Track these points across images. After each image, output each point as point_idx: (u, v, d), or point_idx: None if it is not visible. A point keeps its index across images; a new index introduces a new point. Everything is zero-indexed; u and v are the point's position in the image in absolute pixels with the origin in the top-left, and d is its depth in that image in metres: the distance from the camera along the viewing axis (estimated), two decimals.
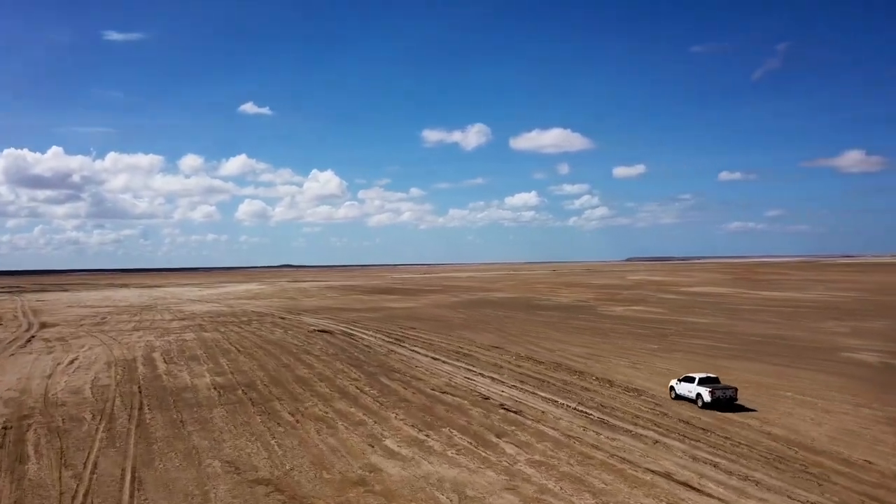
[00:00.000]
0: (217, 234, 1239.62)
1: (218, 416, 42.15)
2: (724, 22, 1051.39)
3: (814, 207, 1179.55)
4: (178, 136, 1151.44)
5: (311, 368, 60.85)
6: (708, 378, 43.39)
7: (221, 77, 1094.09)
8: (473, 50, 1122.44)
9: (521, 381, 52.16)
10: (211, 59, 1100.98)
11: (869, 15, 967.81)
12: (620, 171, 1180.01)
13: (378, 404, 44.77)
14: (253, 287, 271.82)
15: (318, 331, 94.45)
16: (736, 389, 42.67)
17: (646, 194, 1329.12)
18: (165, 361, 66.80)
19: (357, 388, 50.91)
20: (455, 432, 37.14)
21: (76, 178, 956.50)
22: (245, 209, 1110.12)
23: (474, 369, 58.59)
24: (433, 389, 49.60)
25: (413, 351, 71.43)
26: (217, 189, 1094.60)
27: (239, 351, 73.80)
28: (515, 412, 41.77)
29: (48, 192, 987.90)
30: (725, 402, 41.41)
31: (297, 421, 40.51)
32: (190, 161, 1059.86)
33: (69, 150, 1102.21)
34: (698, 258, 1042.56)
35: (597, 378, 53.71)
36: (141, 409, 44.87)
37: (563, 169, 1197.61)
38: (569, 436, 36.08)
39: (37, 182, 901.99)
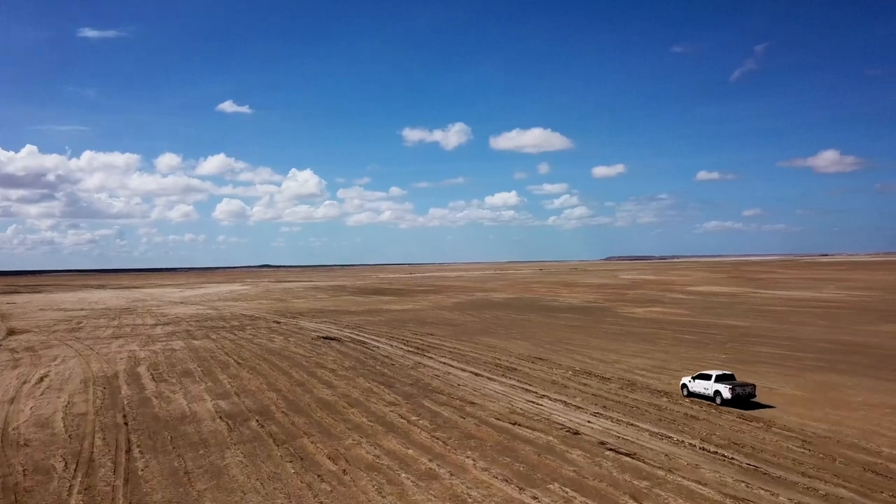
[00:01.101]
0: (195, 234, 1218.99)
1: (234, 463, 31.61)
2: (703, 22, 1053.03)
3: (790, 207, 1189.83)
4: (156, 135, 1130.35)
5: (333, 388, 50.35)
6: (725, 375, 42.61)
7: (200, 75, 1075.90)
8: (455, 49, 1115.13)
9: (603, 407, 42.09)
10: (189, 57, 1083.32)
11: (845, 16, 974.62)
12: (600, 171, 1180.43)
13: (440, 443, 34.44)
14: (236, 288, 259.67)
15: (324, 338, 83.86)
16: (754, 386, 42.27)
17: (625, 194, 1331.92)
18: (154, 378, 55.92)
19: (400, 416, 40.52)
20: (569, 491, 27.00)
21: (51, 177, 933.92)
22: (223, 209, 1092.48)
23: (532, 389, 48.47)
24: (498, 419, 39.36)
25: (443, 363, 61.22)
26: (195, 188, 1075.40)
27: (239, 364, 63.06)
28: (629, 455, 31.68)
29: (22, 192, 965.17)
30: (744, 398, 40.95)
31: (344, 471, 30.12)
32: (167, 160, 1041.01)
33: (43, 149, 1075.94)
34: (677, 257, 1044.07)
35: (691, 400, 43.72)
36: (129, 451, 34.19)
37: (543, 168, 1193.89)
38: (735, 497, 25.97)
39: (10, 181, 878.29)
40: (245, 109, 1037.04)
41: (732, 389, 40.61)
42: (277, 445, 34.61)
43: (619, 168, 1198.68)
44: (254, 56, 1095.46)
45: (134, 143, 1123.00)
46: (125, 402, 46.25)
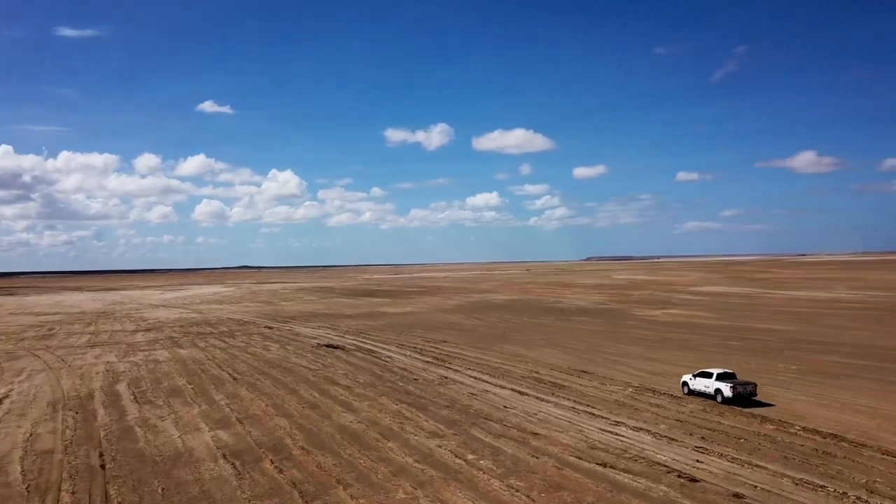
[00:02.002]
0: (174, 235, 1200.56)
1: None
2: (686, 24, 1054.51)
3: (768, 207, 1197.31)
4: (135, 135, 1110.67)
5: (354, 411, 41.73)
6: (726, 373, 42.71)
7: (180, 75, 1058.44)
8: (438, 50, 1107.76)
9: (702, 438, 33.99)
10: (170, 57, 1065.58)
11: (823, 20, 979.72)
12: (581, 172, 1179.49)
13: (522, 497, 25.88)
14: (219, 289, 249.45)
15: (326, 346, 75.12)
16: (755, 385, 42.21)
17: (605, 194, 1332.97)
18: (136, 399, 46.96)
19: (453, 453, 32.01)
20: None
21: (27, 177, 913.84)
22: (203, 209, 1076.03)
23: (598, 413, 40.17)
24: (579, 457, 30.96)
25: (475, 378, 52.86)
26: (174, 189, 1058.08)
27: (235, 379, 54.20)
28: None
29: None
30: (745, 397, 41.02)
31: None
32: (146, 160, 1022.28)
33: (19, 149, 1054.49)
34: (658, 257, 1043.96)
35: (812, 430, 35.48)
36: None
37: (525, 169, 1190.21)
38: None
39: None
40: (226, 110, 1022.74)
41: (734, 388, 40.81)
42: (307, 503, 25.89)
43: (600, 169, 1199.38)
44: (235, 56, 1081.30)
45: (112, 143, 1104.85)
46: (102, 434, 37.31)
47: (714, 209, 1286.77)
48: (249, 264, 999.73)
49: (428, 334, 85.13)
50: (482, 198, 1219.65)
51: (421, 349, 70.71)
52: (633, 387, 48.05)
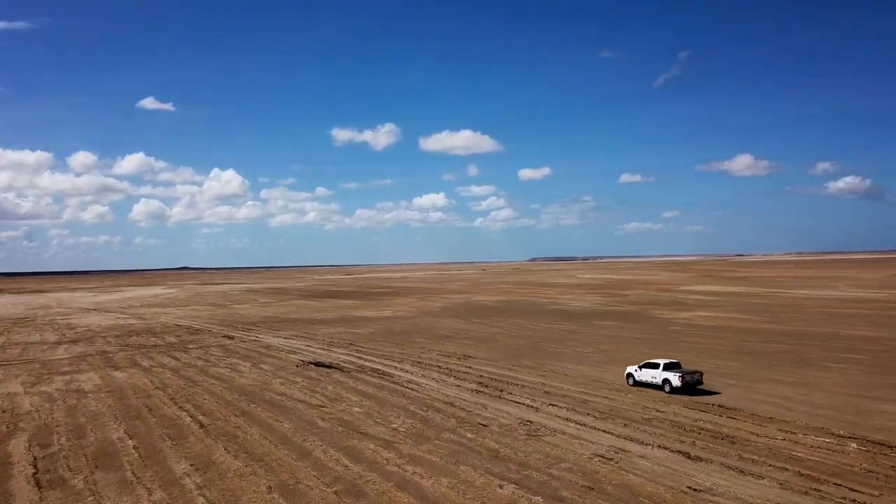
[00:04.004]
0: (110, 236, 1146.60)
1: None
2: (632, 28, 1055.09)
3: (707, 209, 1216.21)
4: (69, 132, 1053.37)
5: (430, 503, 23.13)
6: (672, 363, 42.94)
7: (119, 70, 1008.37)
8: (386, 50, 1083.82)
9: None
10: (108, 51, 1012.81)
11: (760, 27, 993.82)
12: (526, 174, 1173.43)
13: None
14: (160, 291, 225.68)
15: (314, 364, 56.17)
16: (701, 373, 42.11)
17: (550, 196, 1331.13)
18: (37, 480, 27.46)
19: None
20: None
21: None
22: (141, 209, 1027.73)
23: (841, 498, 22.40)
24: None
25: (573, 423, 35.41)
26: (111, 188, 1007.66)
27: (202, 425, 35.06)
28: None
29: None
30: (692, 385, 41.03)
31: None
32: (81, 158, 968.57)
33: None
34: (600, 257, 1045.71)
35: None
36: None
37: (472, 170, 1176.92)
38: None
39: None
40: (168, 107, 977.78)
41: (682, 377, 40.84)
42: None
43: (545, 171, 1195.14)
44: (179, 52, 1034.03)
45: (45, 140, 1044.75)
46: None
47: (655, 210, 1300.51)
48: (189, 266, 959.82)
49: (438, 345, 66.83)
50: (429, 198, 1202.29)
51: (447, 368, 52.43)
52: (841, 436, 30.60)
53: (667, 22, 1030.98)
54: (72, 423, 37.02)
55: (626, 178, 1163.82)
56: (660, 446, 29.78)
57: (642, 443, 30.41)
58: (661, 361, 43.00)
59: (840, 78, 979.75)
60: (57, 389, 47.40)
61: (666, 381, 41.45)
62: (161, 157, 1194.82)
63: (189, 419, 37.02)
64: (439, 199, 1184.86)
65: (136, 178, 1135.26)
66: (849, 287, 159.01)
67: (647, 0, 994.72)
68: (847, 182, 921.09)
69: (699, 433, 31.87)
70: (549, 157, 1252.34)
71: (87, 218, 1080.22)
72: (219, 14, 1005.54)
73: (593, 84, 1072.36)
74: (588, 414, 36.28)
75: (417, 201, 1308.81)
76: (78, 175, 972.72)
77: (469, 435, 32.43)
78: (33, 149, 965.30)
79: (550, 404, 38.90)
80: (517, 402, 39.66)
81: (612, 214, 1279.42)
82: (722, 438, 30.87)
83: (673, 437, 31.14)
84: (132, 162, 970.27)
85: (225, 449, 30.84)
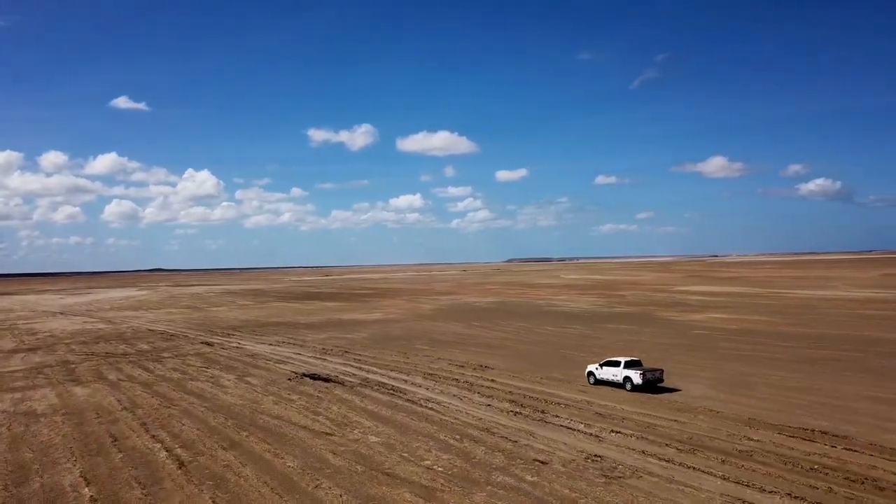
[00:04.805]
0: (81, 237, 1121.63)
1: None
2: (609, 31, 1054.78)
3: (680, 210, 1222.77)
4: (40, 131, 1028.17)
5: None
6: (633, 361, 42.57)
7: (93, 69, 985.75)
8: (363, 49, 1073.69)
9: None
10: (81, 50, 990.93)
11: (736, 31, 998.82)
12: (503, 175, 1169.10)
13: None
14: (132, 293, 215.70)
15: (308, 377, 48.57)
16: (662, 371, 41.86)
17: (526, 197, 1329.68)
18: None
19: None
20: None
21: None
22: (113, 210, 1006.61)
23: None
24: None
25: (660, 462, 27.59)
26: (82, 188, 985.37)
27: (180, 464, 27.53)
28: None
29: None
30: (653, 383, 40.62)
31: None
32: (52, 158, 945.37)
33: None
34: (576, 259, 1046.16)
35: None
36: None
37: (449, 171, 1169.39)
38: None
39: None
40: (142, 106, 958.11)
41: (643, 375, 40.30)
42: None
43: (521, 172, 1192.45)
44: (153, 51, 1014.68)
45: (15, 140, 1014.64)
46: None
47: (629, 212, 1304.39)
48: (162, 267, 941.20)
49: (445, 353, 59.52)
50: (405, 199, 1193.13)
51: (466, 382, 45.16)
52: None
53: (644, 24, 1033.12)
54: (13, 460, 29.15)
55: (601, 179, 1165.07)
56: (789, 494, 22.65)
57: (764, 490, 23.26)
58: (622, 359, 42.53)
59: (812, 82, 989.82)
60: (2, 412, 39.33)
61: (627, 378, 41.13)
62: (134, 157, 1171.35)
63: (164, 454, 29.32)
64: (416, 200, 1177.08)
65: (108, 179, 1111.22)
66: (849, 287, 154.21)
67: (625, 3, 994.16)
68: (818, 184, 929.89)
69: (822, 473, 24.81)
70: (525, 158, 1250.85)
71: (58, 219, 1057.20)
72: (194, 13, 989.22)
73: (571, 86, 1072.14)
74: (666, 444, 29.13)
75: (394, 202, 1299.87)
76: (49, 175, 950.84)
77: (529, 477, 25.15)
78: (3, 148, 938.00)
79: (612, 430, 31.73)
80: (569, 428, 32.44)
81: (588, 215, 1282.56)
82: (875, 484, 23.81)
83: (800, 484, 24.02)
84: (104, 162, 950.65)
85: (213, 502, 23.20)
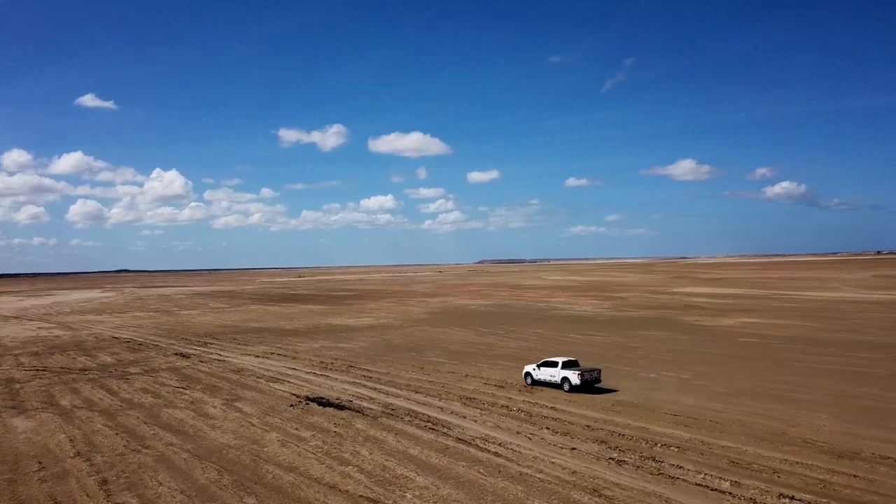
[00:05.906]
0: (45, 238, 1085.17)
1: None
2: (581, 33, 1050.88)
3: (649, 212, 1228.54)
4: (2, 129, 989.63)
5: None
6: (570, 361, 42.24)
7: (57, 65, 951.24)
8: (335, 50, 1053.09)
9: None
10: (45, 45, 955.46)
11: (703, 34, 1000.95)
12: (475, 176, 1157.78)
13: None
14: (96, 295, 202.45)
15: (316, 401, 38.55)
16: (600, 371, 41.43)
17: (498, 199, 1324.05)
18: None
19: None
20: None
21: None
22: (78, 210, 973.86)
23: None
24: None
25: None
26: (46, 188, 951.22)
27: None
28: None
29: None
30: (591, 383, 40.34)
31: None
32: (15, 156, 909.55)
33: None
34: (546, 260, 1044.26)
35: None
36: None
37: (421, 173, 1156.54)
38: None
39: None
40: (109, 105, 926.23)
41: (581, 375, 39.91)
42: None
43: (493, 174, 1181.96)
44: (121, 47, 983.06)
45: None
46: None
47: (599, 214, 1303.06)
48: (129, 268, 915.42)
49: (471, 368, 49.94)
50: (377, 200, 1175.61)
51: (520, 410, 35.64)
52: None
53: (615, 28, 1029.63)
54: None
55: (572, 181, 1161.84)
56: None
57: None
58: (560, 360, 41.91)
59: (779, 86, 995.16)
60: None
61: (565, 379, 40.69)
62: (100, 156, 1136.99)
63: None
64: (387, 200, 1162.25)
65: (73, 178, 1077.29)
66: (850, 289, 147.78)
67: (596, 6, 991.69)
68: (783, 187, 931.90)
69: None
70: (498, 160, 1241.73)
71: (21, 219, 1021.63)
72: (162, 10, 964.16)
73: (543, 88, 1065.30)
74: None
75: (365, 203, 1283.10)
76: (11, 174, 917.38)
77: None
78: None
79: (766, 491, 22.10)
80: (704, 486, 22.89)
81: (558, 218, 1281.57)
82: None
83: None
84: (69, 161, 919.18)
85: None
